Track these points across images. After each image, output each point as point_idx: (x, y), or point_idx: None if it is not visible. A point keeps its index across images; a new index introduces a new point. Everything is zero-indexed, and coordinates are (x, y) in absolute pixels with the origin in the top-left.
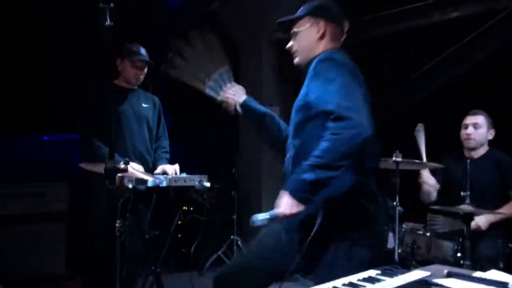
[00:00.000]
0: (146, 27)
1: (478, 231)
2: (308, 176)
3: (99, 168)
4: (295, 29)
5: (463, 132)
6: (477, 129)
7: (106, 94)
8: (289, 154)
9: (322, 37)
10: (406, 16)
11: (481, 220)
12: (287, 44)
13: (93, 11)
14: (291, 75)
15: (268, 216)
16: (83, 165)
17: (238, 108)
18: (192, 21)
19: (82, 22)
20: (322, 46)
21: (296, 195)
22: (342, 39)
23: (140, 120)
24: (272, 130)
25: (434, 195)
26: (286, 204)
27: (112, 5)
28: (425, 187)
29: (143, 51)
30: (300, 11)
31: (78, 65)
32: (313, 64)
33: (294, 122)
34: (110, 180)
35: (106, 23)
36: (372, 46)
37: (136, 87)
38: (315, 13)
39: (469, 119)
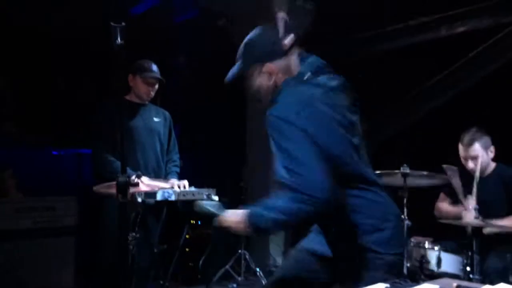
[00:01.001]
0: (155, 43)
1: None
2: (274, 216)
3: (112, 191)
4: (248, 76)
5: (464, 163)
6: (477, 160)
7: (118, 109)
8: None
9: (275, 81)
10: (413, 31)
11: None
12: None
13: (106, 30)
14: None
15: (212, 210)
16: (96, 188)
17: None
18: (199, 37)
19: (95, 40)
20: (278, 84)
21: (253, 224)
22: (295, 53)
23: (151, 134)
24: None
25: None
26: (235, 221)
27: (123, 24)
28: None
29: (154, 67)
30: (240, 60)
31: (90, 82)
32: (267, 118)
33: None
34: (122, 194)
35: (117, 42)
36: (377, 61)
37: (147, 102)
38: (256, 60)
39: (465, 152)
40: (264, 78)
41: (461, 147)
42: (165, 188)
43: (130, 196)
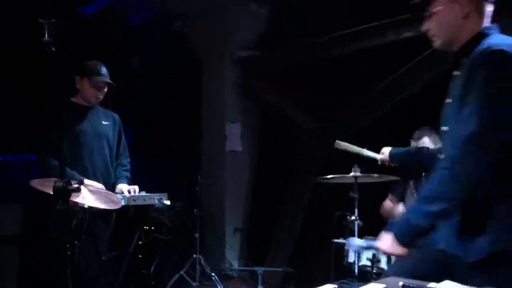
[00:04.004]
0: (109, 45)
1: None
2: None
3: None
4: (431, 9)
5: None
6: None
7: (63, 113)
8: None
9: (467, 16)
10: (361, 36)
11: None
12: (249, 62)
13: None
14: (253, 92)
15: (365, 245)
16: (33, 183)
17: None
18: (155, 39)
19: (30, 39)
20: (469, 27)
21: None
22: (491, 16)
23: (100, 138)
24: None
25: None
26: (387, 243)
27: (53, 20)
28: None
29: (104, 70)
30: None
31: (33, 84)
32: (474, 57)
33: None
34: (62, 200)
35: (45, 39)
36: (330, 65)
37: (95, 105)
38: None
39: (414, 145)
40: (455, 9)
41: (412, 143)
42: (115, 193)
43: (72, 203)
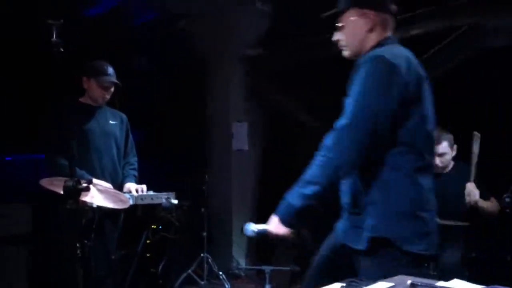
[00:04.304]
0: (114, 44)
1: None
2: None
3: (59, 188)
4: (341, 23)
5: None
6: (444, 157)
7: (71, 112)
8: None
9: (371, 29)
10: None
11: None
12: (254, 60)
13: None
14: (258, 91)
15: (256, 230)
16: (43, 182)
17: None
18: (159, 40)
19: (37, 40)
20: (372, 39)
21: (282, 219)
22: (393, 27)
23: (107, 137)
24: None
25: None
26: (274, 225)
27: (61, 21)
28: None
29: (110, 70)
30: (345, 1)
31: (41, 84)
32: (360, 62)
33: None
34: (72, 199)
35: (53, 39)
36: (332, 63)
37: (102, 105)
38: (360, 3)
39: (435, 149)
40: (360, 23)
41: None
42: (123, 193)
43: (81, 202)
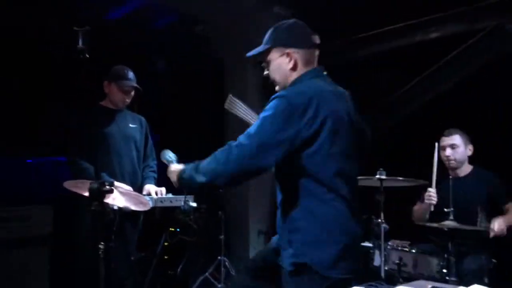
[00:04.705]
0: (133, 48)
1: (500, 235)
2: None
3: (83, 190)
4: (267, 59)
5: (442, 154)
6: (455, 149)
7: (92, 116)
8: None
9: (294, 67)
10: (388, 36)
11: (500, 223)
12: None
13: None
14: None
15: (169, 159)
16: (67, 184)
17: None
18: (178, 42)
19: (62, 45)
20: (296, 74)
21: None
22: (317, 56)
23: (127, 140)
24: None
25: (428, 214)
26: (174, 172)
27: (87, 27)
28: (426, 206)
29: (131, 75)
30: (266, 40)
31: (64, 88)
32: (271, 98)
33: None
34: (96, 201)
35: (78, 46)
36: (355, 67)
37: (123, 108)
38: (282, 43)
39: (445, 141)
40: (284, 62)
41: (442, 138)
42: (143, 195)
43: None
